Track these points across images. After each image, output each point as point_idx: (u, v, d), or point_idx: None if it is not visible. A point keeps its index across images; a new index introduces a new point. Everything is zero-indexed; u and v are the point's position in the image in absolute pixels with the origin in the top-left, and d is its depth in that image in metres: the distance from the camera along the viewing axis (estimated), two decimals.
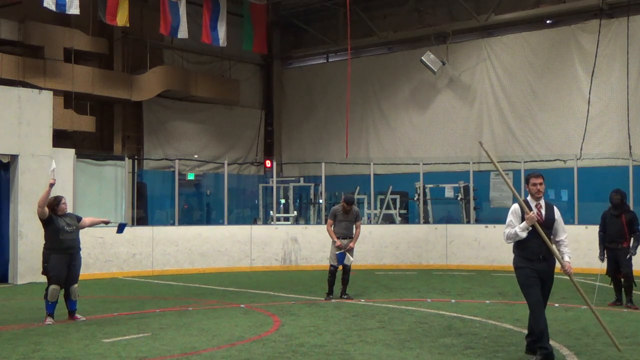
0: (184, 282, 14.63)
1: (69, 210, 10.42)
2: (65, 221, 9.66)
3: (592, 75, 18.56)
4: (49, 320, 9.39)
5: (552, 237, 7.21)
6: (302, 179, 22.37)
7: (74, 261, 9.68)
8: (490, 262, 16.93)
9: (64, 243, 9.55)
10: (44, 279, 9.79)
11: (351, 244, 11.77)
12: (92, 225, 10.48)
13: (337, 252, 11.69)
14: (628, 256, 10.69)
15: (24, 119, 14.34)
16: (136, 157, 20.94)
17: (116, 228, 10.84)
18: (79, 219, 9.98)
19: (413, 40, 22.28)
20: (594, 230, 11.52)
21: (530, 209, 7.12)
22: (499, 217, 15.93)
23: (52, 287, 9.46)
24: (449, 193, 20.08)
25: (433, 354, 7.45)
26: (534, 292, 7.07)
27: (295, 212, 21.41)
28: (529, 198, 7.33)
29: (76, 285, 9.71)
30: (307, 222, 21.20)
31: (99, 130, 20.58)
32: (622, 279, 10.88)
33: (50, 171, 9.81)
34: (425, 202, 19.42)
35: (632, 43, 18.04)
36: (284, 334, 8.54)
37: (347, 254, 11.68)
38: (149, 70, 20.82)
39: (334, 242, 11.76)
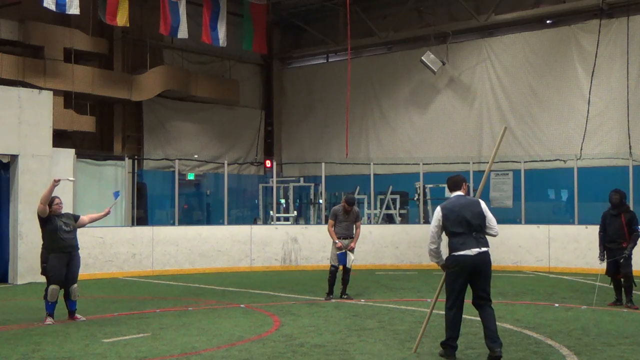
0: (184, 282, 14.63)
1: (70, 210, 10.41)
2: (63, 221, 9.66)
3: (592, 75, 18.55)
4: (49, 320, 9.39)
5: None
6: (302, 179, 22.37)
7: (72, 261, 9.68)
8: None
9: (62, 242, 9.55)
10: (43, 279, 9.79)
11: (352, 244, 11.78)
12: (92, 221, 10.29)
13: (338, 253, 11.69)
14: (622, 259, 10.66)
15: (24, 119, 14.34)
16: (136, 157, 20.92)
17: (114, 198, 10.40)
18: (76, 218, 9.96)
19: (413, 40, 22.28)
20: (594, 230, 11.52)
21: None
22: (499, 217, 15.92)
23: (52, 287, 9.46)
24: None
25: (433, 354, 7.46)
26: None
27: (295, 212, 21.42)
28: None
29: (76, 285, 9.71)
30: (307, 222, 21.21)
31: (99, 130, 20.57)
32: (622, 279, 10.88)
33: (65, 179, 9.76)
34: (425, 202, 19.42)
35: (632, 43, 18.03)
36: (284, 334, 8.55)
37: (349, 253, 11.68)
38: (149, 70, 20.81)
39: (334, 242, 11.75)
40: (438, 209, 7.43)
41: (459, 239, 7.16)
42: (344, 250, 11.67)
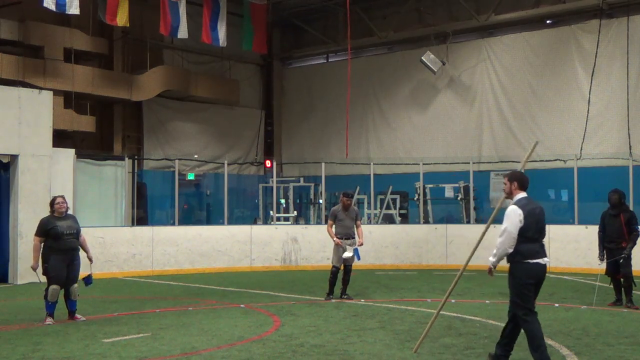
0: (184, 282, 14.63)
1: (70, 210, 10.37)
2: (67, 224, 9.65)
3: (592, 75, 18.55)
4: (49, 320, 9.39)
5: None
6: (302, 179, 22.38)
7: (73, 262, 9.68)
8: None
9: (65, 245, 9.55)
10: (44, 278, 9.79)
11: (360, 240, 11.79)
12: (81, 246, 10.00)
13: (351, 251, 11.63)
14: (621, 260, 10.65)
15: (24, 119, 14.34)
16: (136, 157, 20.93)
17: (86, 278, 10.00)
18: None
19: (413, 40, 22.29)
20: (594, 230, 11.51)
21: None
22: (499, 217, 15.90)
23: (52, 287, 9.46)
24: (449, 193, 20.08)
25: (433, 354, 7.45)
26: None
27: (295, 212, 21.42)
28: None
29: (76, 285, 9.71)
30: (307, 222, 21.20)
31: (99, 130, 20.56)
32: (622, 279, 10.88)
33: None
34: (425, 202, 19.42)
35: (632, 43, 18.03)
36: (284, 334, 8.55)
37: (349, 250, 11.62)
38: (149, 70, 20.81)
39: (335, 242, 11.73)
40: (516, 208, 6.61)
41: (535, 246, 6.59)
42: (356, 247, 11.65)
